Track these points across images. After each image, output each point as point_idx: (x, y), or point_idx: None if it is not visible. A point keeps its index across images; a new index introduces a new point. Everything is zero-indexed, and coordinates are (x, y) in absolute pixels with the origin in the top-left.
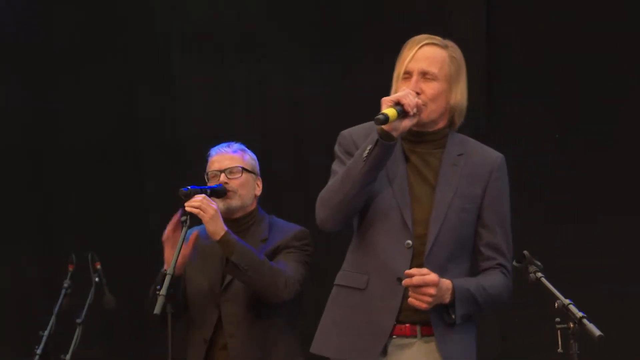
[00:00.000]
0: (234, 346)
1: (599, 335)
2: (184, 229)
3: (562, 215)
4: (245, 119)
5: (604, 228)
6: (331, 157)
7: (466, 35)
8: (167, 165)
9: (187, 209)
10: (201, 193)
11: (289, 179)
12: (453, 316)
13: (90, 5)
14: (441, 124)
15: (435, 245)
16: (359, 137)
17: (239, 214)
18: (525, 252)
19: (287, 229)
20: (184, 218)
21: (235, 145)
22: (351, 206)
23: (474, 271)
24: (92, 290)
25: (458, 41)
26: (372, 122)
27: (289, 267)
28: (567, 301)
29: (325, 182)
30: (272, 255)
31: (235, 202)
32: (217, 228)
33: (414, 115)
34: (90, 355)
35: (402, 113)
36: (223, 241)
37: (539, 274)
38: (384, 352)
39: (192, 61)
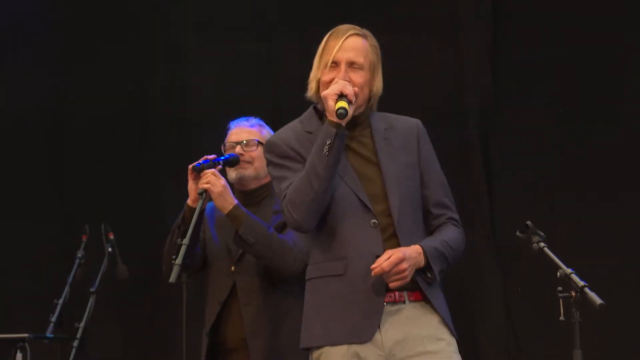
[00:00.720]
0: (248, 315)
1: (600, 304)
2: (200, 202)
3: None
4: (254, 95)
5: (601, 209)
6: None
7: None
8: (178, 139)
9: (199, 186)
10: (213, 166)
11: None
12: (430, 275)
13: None
14: (363, 108)
15: (400, 216)
16: (289, 139)
17: (253, 185)
18: (528, 222)
19: None
20: (200, 191)
21: (254, 120)
22: (322, 201)
23: (429, 230)
24: (105, 260)
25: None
26: (292, 123)
27: (298, 241)
28: (569, 270)
29: None
30: (283, 226)
31: (248, 171)
32: (226, 203)
33: (352, 104)
34: (103, 323)
35: (349, 103)
36: (231, 215)
37: (542, 244)
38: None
39: (203, 40)
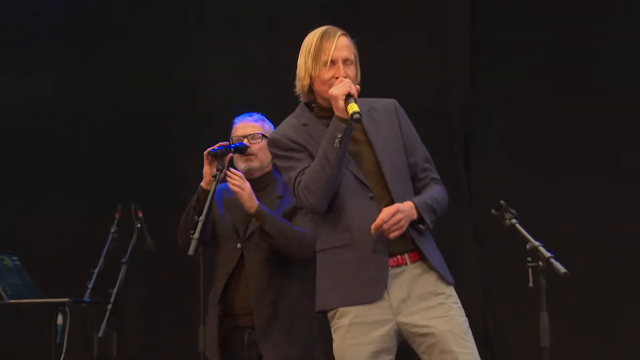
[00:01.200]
0: (254, 288)
1: (564, 272)
2: (214, 184)
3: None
4: (263, 90)
5: (571, 182)
6: None
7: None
8: (195, 128)
9: (230, 187)
10: (226, 152)
11: None
12: (421, 225)
13: None
14: None
15: (394, 186)
16: (289, 133)
17: (257, 174)
18: (502, 201)
19: None
20: (214, 174)
21: (256, 115)
22: (334, 187)
23: (417, 192)
24: (135, 235)
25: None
26: (288, 119)
27: (308, 229)
28: (537, 243)
29: None
30: (291, 214)
31: (255, 163)
32: (252, 203)
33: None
34: (133, 289)
35: (354, 101)
36: (257, 214)
37: (513, 220)
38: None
39: (218, 40)
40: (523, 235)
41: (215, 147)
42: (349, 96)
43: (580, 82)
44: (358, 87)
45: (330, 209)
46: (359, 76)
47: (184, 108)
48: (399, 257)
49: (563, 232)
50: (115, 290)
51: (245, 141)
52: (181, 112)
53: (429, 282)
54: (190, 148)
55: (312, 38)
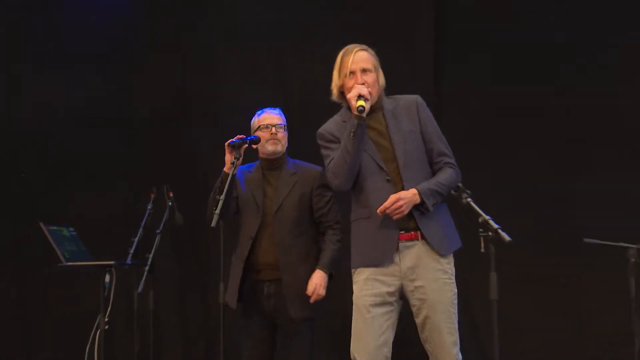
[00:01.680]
0: (280, 250)
1: (509, 241)
2: (233, 169)
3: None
4: (268, 94)
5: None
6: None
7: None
8: (215, 123)
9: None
10: (244, 143)
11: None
12: (421, 208)
13: (157, 8)
14: (377, 97)
15: (405, 172)
16: (331, 129)
17: (276, 156)
18: (459, 184)
19: (307, 166)
20: (233, 161)
21: (278, 110)
22: (354, 170)
23: (433, 174)
24: (167, 211)
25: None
26: (334, 117)
27: (335, 214)
28: (487, 217)
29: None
30: (310, 194)
31: (280, 147)
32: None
33: (369, 100)
34: (166, 254)
35: (365, 100)
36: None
37: (469, 199)
38: (397, 250)
39: (232, 50)
40: (476, 211)
41: (234, 139)
42: (360, 97)
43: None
44: (369, 88)
45: (356, 187)
46: (381, 79)
47: (204, 110)
48: (412, 233)
49: (515, 210)
50: (151, 255)
51: (273, 129)
52: (201, 113)
53: (433, 258)
54: (208, 143)
55: (338, 56)
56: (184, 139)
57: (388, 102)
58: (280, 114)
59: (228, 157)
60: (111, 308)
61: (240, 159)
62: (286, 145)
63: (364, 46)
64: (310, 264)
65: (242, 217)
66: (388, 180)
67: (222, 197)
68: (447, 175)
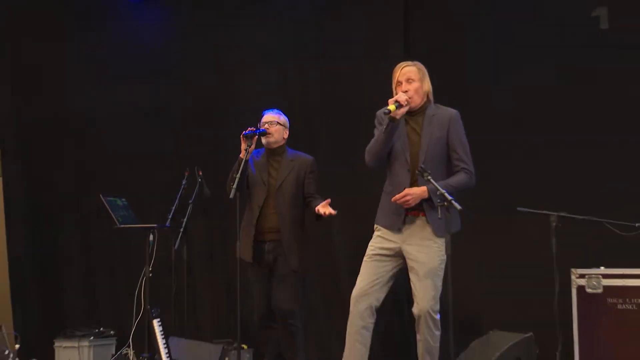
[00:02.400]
0: (279, 217)
1: (460, 209)
2: (247, 154)
3: None
4: (277, 98)
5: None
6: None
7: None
8: (234, 120)
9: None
10: (254, 134)
11: (300, 131)
12: (433, 202)
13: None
14: (422, 103)
15: (424, 165)
16: (380, 117)
17: (275, 146)
18: (422, 165)
19: (302, 155)
20: (246, 148)
21: (276, 111)
22: (380, 155)
23: (450, 174)
24: (197, 186)
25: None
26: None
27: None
28: (443, 190)
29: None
30: (304, 177)
31: (271, 139)
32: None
33: (407, 105)
34: (196, 219)
35: (399, 105)
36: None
37: (429, 177)
38: (404, 223)
39: (249, 64)
40: (435, 186)
41: (247, 131)
42: (396, 102)
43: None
44: (411, 93)
45: (389, 168)
46: (424, 86)
47: (227, 111)
48: (415, 212)
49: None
50: (185, 220)
51: (266, 125)
52: (225, 113)
53: (427, 231)
54: (229, 135)
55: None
56: (211, 132)
57: (431, 109)
58: (276, 113)
59: (243, 145)
60: (154, 260)
61: (252, 146)
62: (282, 136)
63: (413, 62)
64: (301, 228)
65: (252, 191)
66: (408, 171)
67: (238, 175)
68: (459, 178)
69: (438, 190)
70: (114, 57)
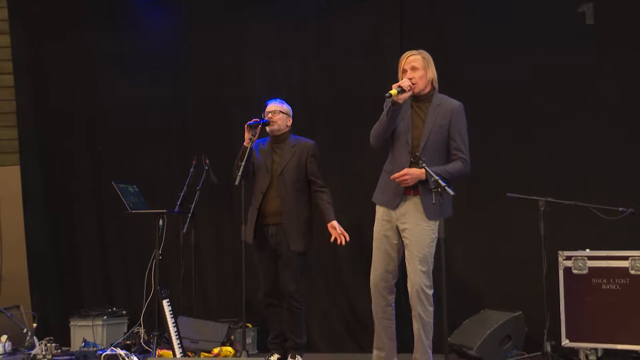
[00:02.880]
0: (282, 202)
1: (453, 194)
2: (251, 143)
3: None
4: (282, 91)
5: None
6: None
7: None
8: (240, 112)
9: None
10: (257, 124)
11: (301, 121)
12: (428, 185)
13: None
14: (427, 90)
15: (424, 150)
16: None
17: (278, 133)
18: (417, 153)
19: (304, 140)
20: (250, 137)
21: (278, 100)
22: (384, 136)
23: (448, 162)
24: (204, 173)
25: None
26: None
27: (321, 175)
28: (437, 177)
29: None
30: (306, 160)
31: (274, 127)
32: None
33: (410, 90)
34: (203, 204)
35: (401, 90)
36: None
37: (424, 165)
38: (400, 201)
39: (259, 61)
40: (430, 173)
41: (251, 121)
42: (399, 87)
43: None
44: (414, 80)
45: (391, 149)
46: (429, 74)
47: (233, 103)
48: (412, 191)
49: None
50: (192, 205)
51: (270, 114)
52: (230, 105)
53: (421, 212)
54: (234, 126)
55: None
56: (218, 122)
57: (437, 98)
58: (279, 103)
59: (247, 135)
60: (163, 244)
61: (256, 136)
62: (286, 124)
63: (418, 50)
64: (302, 211)
65: (257, 177)
66: (409, 152)
67: (243, 163)
68: (455, 166)
69: (432, 177)
70: (126, 52)
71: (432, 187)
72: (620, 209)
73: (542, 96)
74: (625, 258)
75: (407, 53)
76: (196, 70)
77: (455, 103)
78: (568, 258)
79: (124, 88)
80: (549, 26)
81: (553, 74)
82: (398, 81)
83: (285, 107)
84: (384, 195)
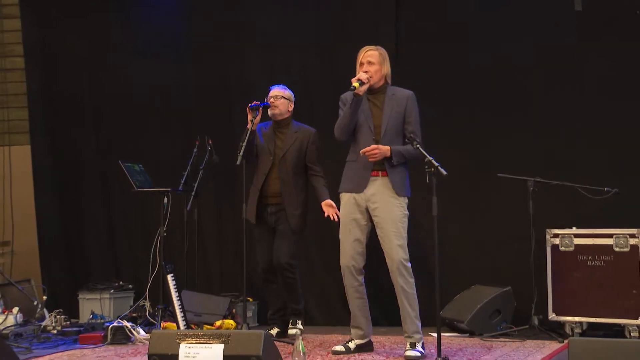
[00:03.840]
0: (282, 183)
1: (445, 174)
2: (252, 125)
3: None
4: (280, 76)
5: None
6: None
7: None
8: (241, 96)
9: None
10: (258, 107)
11: (301, 106)
12: (392, 160)
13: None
14: (381, 83)
15: (385, 136)
16: (346, 97)
17: (279, 118)
18: (411, 134)
19: (306, 127)
20: (252, 119)
21: (281, 86)
22: (349, 128)
23: (403, 144)
24: (207, 154)
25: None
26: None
27: (319, 161)
28: (430, 158)
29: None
30: (307, 147)
31: (276, 111)
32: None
33: (367, 82)
34: (207, 182)
35: (361, 83)
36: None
37: (418, 146)
38: (367, 183)
39: (264, 50)
40: (423, 153)
41: (253, 103)
42: (358, 80)
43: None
44: (370, 74)
45: (353, 139)
46: (383, 69)
47: (235, 86)
48: (379, 172)
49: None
50: (196, 184)
51: (272, 99)
52: (232, 88)
53: (388, 189)
54: (236, 108)
55: (359, 53)
56: (220, 106)
57: (390, 89)
58: (282, 88)
59: (249, 117)
60: (168, 221)
61: (258, 117)
62: (287, 109)
63: (376, 46)
64: (300, 193)
65: (259, 160)
66: (373, 139)
67: (244, 144)
68: (411, 148)
69: (427, 157)
70: (132, 38)
71: (426, 167)
72: (605, 188)
73: (533, 81)
74: (610, 236)
75: (366, 48)
76: (199, 56)
77: (408, 92)
78: (555, 236)
79: (131, 72)
80: (537, 14)
81: (542, 58)
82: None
83: (288, 93)
84: (351, 183)
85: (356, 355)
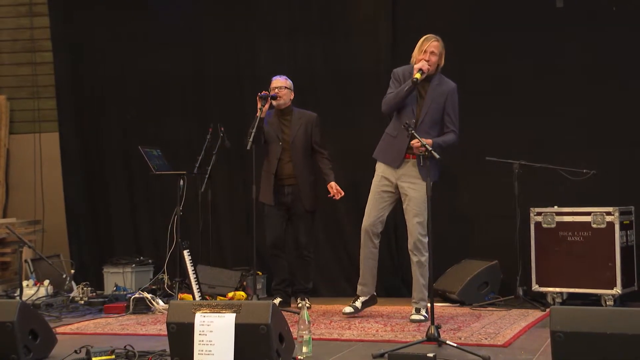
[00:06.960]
0: (294, 166)
1: (438, 158)
2: (261, 112)
3: None
4: (287, 66)
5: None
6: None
7: None
8: (252, 86)
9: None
10: (267, 96)
11: (306, 93)
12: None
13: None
14: (433, 72)
15: (423, 121)
16: (399, 73)
17: (284, 107)
18: (407, 121)
19: (308, 113)
20: (260, 107)
21: (283, 77)
22: (396, 108)
23: (442, 133)
24: (219, 139)
25: None
26: (407, 66)
27: (324, 142)
28: (424, 141)
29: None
30: (311, 131)
31: (280, 101)
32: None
33: (425, 73)
34: (221, 167)
35: (422, 73)
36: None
37: (412, 131)
38: (401, 162)
39: (269, 40)
40: (415, 137)
41: (262, 93)
42: (420, 70)
43: None
44: (429, 67)
45: (397, 116)
46: (442, 62)
47: (246, 76)
48: (412, 156)
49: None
50: (209, 167)
51: (276, 90)
52: (243, 77)
53: (417, 173)
54: (247, 97)
55: (421, 40)
56: (231, 95)
57: (437, 79)
58: (284, 79)
59: (259, 105)
60: (184, 201)
61: (267, 105)
62: (289, 98)
63: (437, 37)
64: (310, 174)
65: (269, 146)
66: (413, 122)
67: (254, 131)
68: (449, 137)
69: (422, 142)
70: (151, 29)
71: (420, 151)
72: (584, 170)
73: (522, 70)
74: (588, 214)
75: (431, 37)
76: (212, 47)
77: (451, 85)
78: (538, 214)
79: (149, 62)
80: (523, 9)
81: (531, 49)
82: (412, 57)
83: (289, 83)
84: (386, 156)
85: (364, 323)
